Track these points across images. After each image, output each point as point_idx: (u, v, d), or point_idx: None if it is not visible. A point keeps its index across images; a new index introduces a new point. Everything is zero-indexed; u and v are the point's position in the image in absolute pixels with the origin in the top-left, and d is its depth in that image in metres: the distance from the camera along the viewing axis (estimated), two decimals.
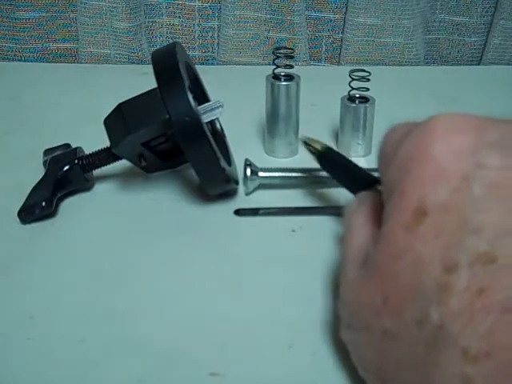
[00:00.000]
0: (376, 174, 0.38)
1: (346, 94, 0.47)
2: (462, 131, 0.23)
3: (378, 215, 0.27)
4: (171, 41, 0.70)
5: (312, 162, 0.44)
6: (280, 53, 0.46)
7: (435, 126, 0.23)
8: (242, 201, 0.43)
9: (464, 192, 0.22)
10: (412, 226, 0.23)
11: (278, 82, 0.46)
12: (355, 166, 0.38)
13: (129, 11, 0.66)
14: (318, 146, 0.40)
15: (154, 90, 0.40)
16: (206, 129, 0.38)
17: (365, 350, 0.26)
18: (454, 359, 0.21)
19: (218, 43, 0.70)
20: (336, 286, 0.35)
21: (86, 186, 0.44)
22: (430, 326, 0.22)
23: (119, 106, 0.41)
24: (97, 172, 0.44)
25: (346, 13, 0.68)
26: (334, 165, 0.39)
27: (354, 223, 0.29)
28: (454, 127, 0.23)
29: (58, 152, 0.44)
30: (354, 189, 0.36)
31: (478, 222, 0.21)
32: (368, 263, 0.25)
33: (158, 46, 0.70)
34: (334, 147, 0.50)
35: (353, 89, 0.47)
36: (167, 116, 0.37)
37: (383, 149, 0.28)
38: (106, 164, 0.43)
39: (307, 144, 0.41)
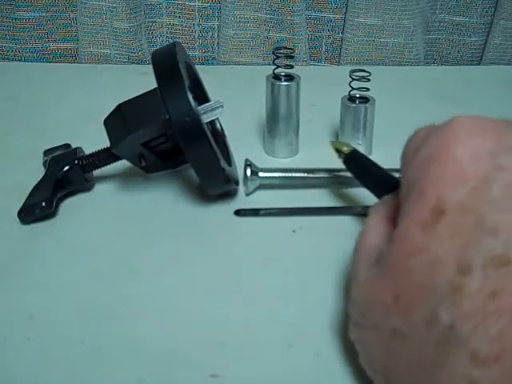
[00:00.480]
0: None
1: (347, 94, 0.47)
2: (482, 134, 0.23)
3: (395, 216, 0.27)
4: (171, 41, 0.70)
5: (312, 163, 0.44)
6: (280, 53, 0.45)
7: (456, 128, 0.24)
8: (242, 201, 0.43)
9: (483, 193, 0.22)
10: (429, 225, 0.23)
11: (278, 82, 0.46)
12: (381, 169, 0.37)
13: (129, 11, 0.66)
14: (345, 149, 0.40)
15: (153, 90, 0.40)
16: (206, 129, 0.38)
17: (373, 349, 0.26)
18: (462, 361, 0.21)
19: (217, 43, 0.70)
20: (337, 286, 0.35)
21: (86, 186, 0.44)
22: (440, 327, 0.22)
23: (119, 106, 0.41)
24: (97, 172, 0.44)
25: (346, 13, 0.68)
26: (360, 168, 0.39)
27: (371, 224, 0.29)
28: (475, 130, 0.23)
29: (58, 152, 0.44)
30: (378, 192, 0.35)
31: (495, 223, 0.21)
32: (381, 262, 0.25)
33: (158, 46, 0.70)
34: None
35: (353, 89, 0.47)
36: (167, 116, 0.37)
37: (405, 151, 0.28)
38: (106, 164, 0.43)
39: (335, 147, 0.41)
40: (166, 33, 0.70)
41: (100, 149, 0.43)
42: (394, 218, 0.28)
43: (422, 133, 0.27)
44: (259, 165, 0.44)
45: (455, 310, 0.21)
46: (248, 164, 0.43)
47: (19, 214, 0.40)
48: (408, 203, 0.24)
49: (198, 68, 0.46)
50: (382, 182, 0.36)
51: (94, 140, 0.43)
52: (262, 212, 0.42)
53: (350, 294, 0.28)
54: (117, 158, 0.43)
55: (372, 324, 0.25)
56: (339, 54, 0.70)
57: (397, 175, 0.44)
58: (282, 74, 0.46)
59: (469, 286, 0.21)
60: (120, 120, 0.40)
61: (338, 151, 0.40)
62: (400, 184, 0.32)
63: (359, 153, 0.40)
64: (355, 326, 0.27)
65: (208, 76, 0.48)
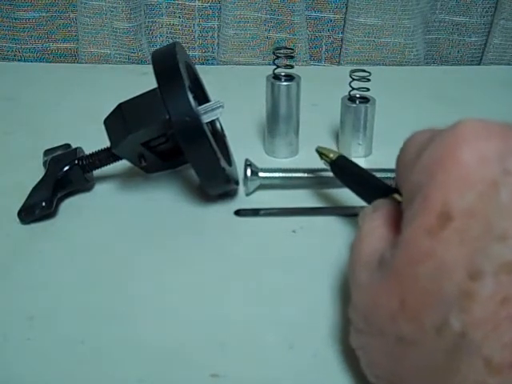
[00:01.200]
0: (379, 175, 0.38)
1: (347, 94, 0.47)
2: (488, 138, 0.23)
3: (394, 221, 0.27)
4: (171, 41, 0.70)
5: (312, 163, 0.44)
6: (280, 53, 0.45)
7: (462, 132, 0.23)
8: (242, 201, 0.43)
9: (490, 198, 0.22)
10: (435, 231, 0.22)
11: (278, 82, 0.46)
12: (369, 174, 0.37)
13: (129, 11, 0.66)
14: (331, 155, 0.39)
15: (154, 90, 0.40)
16: (207, 129, 0.38)
17: (377, 355, 0.25)
18: (475, 368, 0.21)
19: (217, 43, 0.70)
20: (337, 286, 0.35)
21: (86, 186, 0.44)
22: (451, 334, 0.22)
23: (119, 106, 0.41)
24: (97, 172, 0.44)
25: (346, 13, 0.68)
26: (348, 173, 0.38)
27: (367, 227, 0.28)
28: (481, 133, 0.23)
29: (58, 152, 0.44)
30: (368, 198, 0.35)
31: (504, 229, 0.21)
32: (384, 267, 0.25)
33: (158, 46, 0.70)
34: (335, 147, 0.50)
35: (353, 89, 0.47)
36: (167, 116, 0.37)
37: (403, 156, 0.27)
38: (106, 164, 0.43)
39: (320, 152, 0.40)
40: (166, 33, 0.70)
41: (100, 149, 0.43)
42: (393, 223, 0.27)
43: (420, 136, 0.26)
44: (259, 165, 0.44)
45: (466, 317, 0.21)
46: (248, 164, 0.43)
47: (19, 213, 0.40)
48: (412, 208, 0.24)
49: (198, 68, 0.46)
50: (371, 187, 0.36)
51: (94, 140, 0.43)
52: (262, 212, 0.42)
53: (351, 299, 0.27)
54: (117, 158, 0.43)
55: (376, 329, 0.25)
56: (339, 54, 0.70)
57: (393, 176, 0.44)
58: (282, 74, 0.46)
59: (480, 292, 0.21)
60: (120, 120, 0.40)
61: (324, 156, 0.40)
62: (391, 190, 0.31)
63: (346, 158, 0.39)
64: (357, 331, 0.27)
65: (208, 76, 0.48)
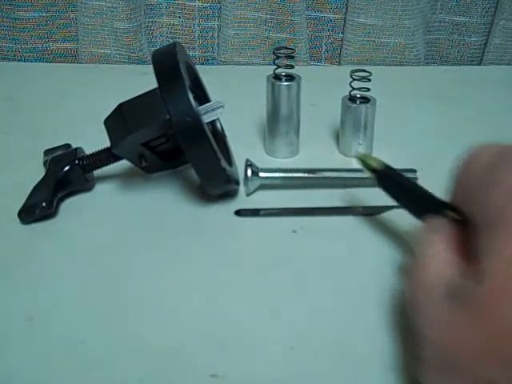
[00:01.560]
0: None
1: (347, 94, 0.47)
2: None
3: (458, 245, 0.25)
4: (171, 41, 0.70)
5: (312, 163, 0.44)
6: (280, 53, 0.45)
7: None
8: (242, 201, 0.43)
9: None
10: None
11: (278, 82, 0.46)
12: (417, 186, 0.35)
13: (129, 11, 0.66)
14: (375, 164, 0.37)
15: (154, 90, 0.40)
16: (207, 129, 0.38)
17: None
18: None
19: (218, 43, 0.70)
20: (337, 286, 0.35)
21: (86, 186, 0.44)
22: None
23: (119, 106, 0.41)
24: (97, 172, 0.44)
25: (346, 13, 0.68)
26: (394, 184, 0.36)
27: (429, 252, 0.26)
28: None
29: (59, 152, 0.44)
30: (417, 211, 0.33)
31: None
32: (460, 297, 0.23)
33: (158, 46, 0.70)
34: (335, 147, 0.50)
35: (354, 89, 0.47)
36: (168, 116, 0.37)
37: (467, 172, 0.25)
38: (107, 164, 0.43)
39: (363, 161, 0.38)
40: (166, 33, 0.70)
41: (100, 149, 0.43)
42: (457, 247, 0.26)
43: (487, 151, 0.25)
44: (260, 165, 0.44)
45: None
46: (249, 164, 0.43)
47: (19, 213, 0.40)
48: (495, 235, 0.22)
49: (198, 68, 0.46)
50: (420, 200, 0.33)
51: (95, 140, 0.43)
52: (262, 212, 0.42)
53: (421, 332, 0.24)
54: (117, 158, 0.43)
55: (457, 368, 0.22)
56: (339, 54, 0.70)
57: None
58: (283, 74, 0.46)
59: None
60: (120, 120, 0.40)
61: (366, 164, 0.37)
62: (443, 204, 0.29)
63: (391, 168, 0.37)
64: (429, 367, 0.24)
65: (208, 76, 0.48)
